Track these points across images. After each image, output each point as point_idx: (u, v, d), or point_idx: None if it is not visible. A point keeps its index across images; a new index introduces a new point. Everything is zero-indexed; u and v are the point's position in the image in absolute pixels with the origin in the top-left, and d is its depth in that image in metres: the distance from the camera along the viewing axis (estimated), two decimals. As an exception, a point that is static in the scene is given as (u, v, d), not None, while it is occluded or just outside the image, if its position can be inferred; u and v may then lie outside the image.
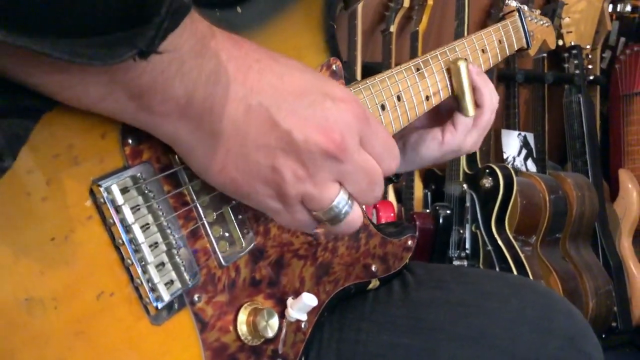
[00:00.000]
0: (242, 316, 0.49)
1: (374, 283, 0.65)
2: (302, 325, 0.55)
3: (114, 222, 0.41)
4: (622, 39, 2.49)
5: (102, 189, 0.41)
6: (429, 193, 1.96)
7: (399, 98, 0.65)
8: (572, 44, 2.31)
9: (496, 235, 1.90)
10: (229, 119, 0.41)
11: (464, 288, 0.66)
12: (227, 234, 0.49)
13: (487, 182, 1.88)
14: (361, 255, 0.62)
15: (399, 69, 0.67)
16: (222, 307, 0.48)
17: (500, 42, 0.84)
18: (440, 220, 1.86)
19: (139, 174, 0.43)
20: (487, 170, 1.87)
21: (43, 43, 0.30)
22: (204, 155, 0.42)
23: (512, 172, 1.90)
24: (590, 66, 2.39)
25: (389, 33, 1.87)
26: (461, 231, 1.93)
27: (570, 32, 2.35)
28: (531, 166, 2.31)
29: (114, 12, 0.32)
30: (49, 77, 0.35)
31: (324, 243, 0.58)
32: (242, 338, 0.49)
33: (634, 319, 2.21)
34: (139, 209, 0.43)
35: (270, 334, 0.49)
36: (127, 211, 0.42)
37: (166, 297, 0.43)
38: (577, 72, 2.29)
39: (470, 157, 1.95)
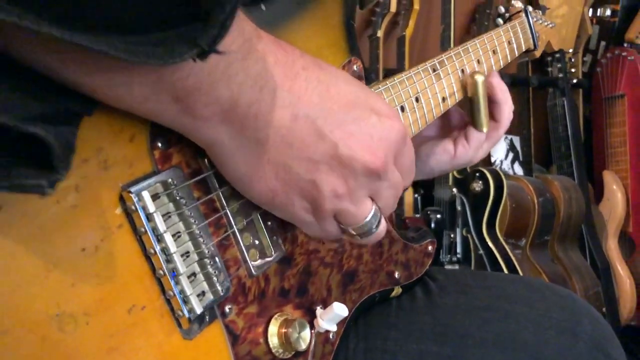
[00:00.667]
0: (273, 328, 0.46)
1: (397, 290, 0.63)
2: (331, 336, 0.52)
3: (146, 231, 0.39)
4: (603, 43, 2.52)
5: (132, 196, 0.38)
6: (419, 198, 1.95)
7: (417, 99, 0.63)
8: (555, 48, 2.33)
9: (487, 239, 1.90)
10: (274, 127, 0.39)
11: (488, 292, 0.65)
12: (257, 242, 0.46)
13: (477, 186, 1.88)
14: (384, 262, 0.60)
15: (416, 70, 0.65)
16: (253, 319, 0.46)
17: (509, 43, 0.84)
18: (432, 225, 1.86)
19: (169, 180, 0.40)
20: (477, 174, 1.87)
21: (98, 40, 0.28)
22: (244, 162, 0.40)
23: (502, 175, 1.91)
24: (572, 70, 2.42)
25: (376, 38, 1.86)
26: (452, 235, 1.92)
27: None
28: (518, 169, 2.32)
29: (173, 7, 0.30)
30: (95, 76, 0.33)
31: (349, 250, 0.56)
32: (274, 351, 0.46)
33: (622, 319, 2.23)
34: (170, 216, 0.40)
35: (303, 346, 0.46)
36: (158, 219, 0.39)
37: (198, 310, 0.41)
38: (561, 75, 2.31)
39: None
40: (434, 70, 0.67)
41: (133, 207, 0.38)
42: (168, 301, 0.40)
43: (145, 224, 0.39)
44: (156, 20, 0.31)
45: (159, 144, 0.40)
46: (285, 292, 0.49)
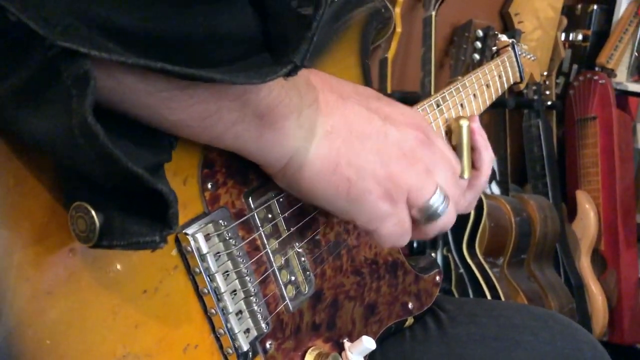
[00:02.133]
0: (309, 365, 0.48)
1: (410, 321, 0.65)
2: None
3: (200, 271, 0.40)
4: (575, 66, 2.60)
5: (189, 237, 0.40)
6: None
7: None
8: (537, 79, 2.41)
9: (468, 259, 1.94)
10: (338, 119, 0.43)
11: (496, 322, 0.67)
12: (293, 278, 0.48)
13: None
14: (400, 293, 0.63)
15: (422, 106, 0.67)
16: (290, 353, 0.47)
17: (499, 77, 0.87)
18: (414, 245, 1.89)
19: (220, 220, 0.42)
20: None
21: (201, 73, 0.31)
22: (319, 158, 0.43)
23: (482, 196, 1.95)
24: (547, 92, 2.49)
25: None
26: (433, 255, 1.96)
27: (528, 59, 2.45)
28: (495, 189, 2.37)
29: (253, 43, 0.33)
30: (192, 109, 0.35)
31: (369, 283, 0.58)
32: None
33: (595, 335, 2.30)
34: (220, 256, 0.42)
35: (336, 379, 0.48)
36: (211, 259, 0.41)
37: (245, 347, 0.42)
38: (536, 97, 2.38)
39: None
40: (438, 106, 0.70)
41: (189, 249, 0.40)
42: (217, 339, 0.42)
43: (199, 264, 0.40)
44: (241, 51, 0.34)
45: (209, 186, 0.42)
46: (317, 326, 0.51)
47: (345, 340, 0.53)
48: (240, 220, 0.44)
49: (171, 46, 0.30)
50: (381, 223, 0.46)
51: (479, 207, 1.93)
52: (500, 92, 0.88)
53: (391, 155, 0.45)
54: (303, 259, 0.50)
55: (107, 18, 0.26)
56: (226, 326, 0.42)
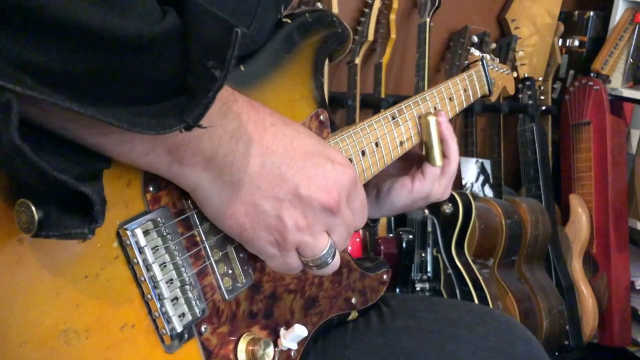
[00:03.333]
0: (242, 345, 0.54)
1: (354, 314, 0.71)
2: (292, 354, 0.61)
3: (137, 262, 0.47)
4: (572, 72, 2.64)
5: (128, 232, 0.46)
6: (392, 218, 2.04)
7: (377, 144, 0.72)
8: (526, 75, 2.45)
9: (456, 259, 1.99)
10: (246, 172, 0.48)
11: (434, 316, 0.73)
12: (230, 271, 0.55)
13: (447, 208, 1.97)
14: (343, 288, 0.69)
15: (377, 118, 0.74)
16: (225, 337, 0.54)
17: (465, 90, 0.92)
18: (404, 245, 1.94)
19: (158, 218, 0.49)
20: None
21: (106, 113, 0.37)
22: (220, 202, 0.49)
23: (471, 199, 2.00)
24: (542, 97, 2.53)
25: (354, 65, 1.95)
26: (423, 255, 2.01)
27: (524, 64, 2.49)
28: (488, 191, 2.42)
29: (166, 85, 0.39)
30: (107, 137, 0.41)
31: (311, 278, 0.64)
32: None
33: (584, 337, 2.33)
34: (158, 249, 0.48)
35: (268, 361, 0.55)
36: (148, 252, 0.47)
37: (179, 328, 0.49)
38: (531, 102, 2.42)
39: (432, 184, 2.03)
40: (393, 118, 0.76)
41: (128, 242, 0.46)
42: (154, 321, 0.48)
43: (137, 255, 0.47)
44: (152, 95, 0.40)
45: (151, 188, 0.49)
46: (254, 314, 0.57)
47: (282, 329, 0.59)
48: (179, 218, 0.51)
49: (84, 83, 0.36)
50: (269, 260, 0.54)
51: (467, 210, 1.98)
52: (465, 105, 0.94)
53: (291, 216, 0.50)
54: (242, 254, 0.56)
55: (24, 55, 0.33)
56: (161, 310, 0.48)
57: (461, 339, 0.71)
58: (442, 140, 0.79)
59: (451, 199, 1.96)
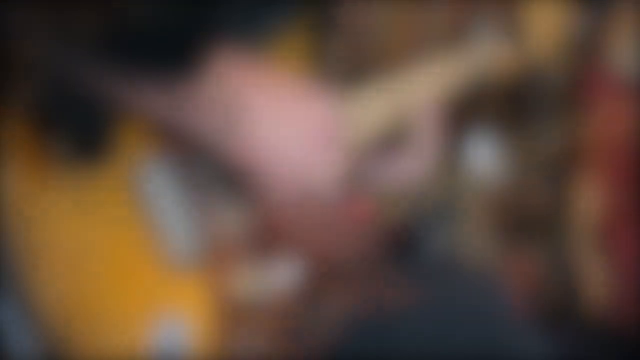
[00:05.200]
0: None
1: None
2: None
3: (151, 197, 0.56)
4: None
5: (141, 173, 0.56)
6: None
7: None
8: None
9: None
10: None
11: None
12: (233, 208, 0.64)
13: None
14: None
15: None
16: (227, 265, 0.63)
17: None
18: None
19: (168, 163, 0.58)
20: None
21: None
22: None
23: None
24: None
25: None
26: None
27: None
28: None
29: None
30: None
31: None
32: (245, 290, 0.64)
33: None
34: (163, 187, 0.58)
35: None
36: (159, 189, 0.57)
37: (185, 254, 0.58)
38: None
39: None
40: None
41: (140, 179, 0.56)
42: (162, 246, 0.58)
43: (148, 193, 0.56)
44: None
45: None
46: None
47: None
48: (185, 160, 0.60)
49: None
50: None
51: None
52: None
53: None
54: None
55: None
56: (169, 236, 0.58)
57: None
58: None
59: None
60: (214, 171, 0.60)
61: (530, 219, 1.24)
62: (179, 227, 0.58)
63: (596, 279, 1.21)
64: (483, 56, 0.91)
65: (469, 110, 1.00)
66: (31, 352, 0.52)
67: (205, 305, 0.60)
